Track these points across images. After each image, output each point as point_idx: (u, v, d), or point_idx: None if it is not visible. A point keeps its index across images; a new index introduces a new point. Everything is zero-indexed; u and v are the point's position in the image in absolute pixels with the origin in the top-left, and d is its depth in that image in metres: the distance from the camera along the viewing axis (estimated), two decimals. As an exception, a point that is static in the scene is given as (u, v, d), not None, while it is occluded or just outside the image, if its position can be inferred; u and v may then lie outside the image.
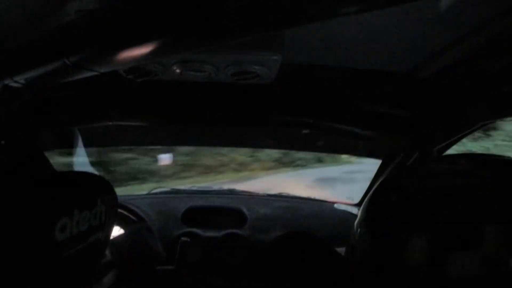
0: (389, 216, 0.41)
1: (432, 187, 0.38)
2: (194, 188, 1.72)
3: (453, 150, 0.88)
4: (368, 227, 0.45)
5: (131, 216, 1.25)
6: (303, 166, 8.65)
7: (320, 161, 8.75)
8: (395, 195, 0.42)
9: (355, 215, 1.44)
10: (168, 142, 1.48)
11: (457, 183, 0.37)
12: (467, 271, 0.32)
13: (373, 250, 0.42)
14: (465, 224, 0.33)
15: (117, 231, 1.22)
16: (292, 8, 0.27)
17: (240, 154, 7.46)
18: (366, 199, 0.48)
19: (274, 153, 7.65)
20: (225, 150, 6.51)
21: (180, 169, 6.37)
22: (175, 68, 0.61)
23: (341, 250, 0.60)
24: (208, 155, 6.93)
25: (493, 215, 0.33)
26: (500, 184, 0.34)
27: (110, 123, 0.88)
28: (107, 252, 0.77)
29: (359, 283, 0.46)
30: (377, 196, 0.46)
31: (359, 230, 0.47)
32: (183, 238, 1.26)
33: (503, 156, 0.39)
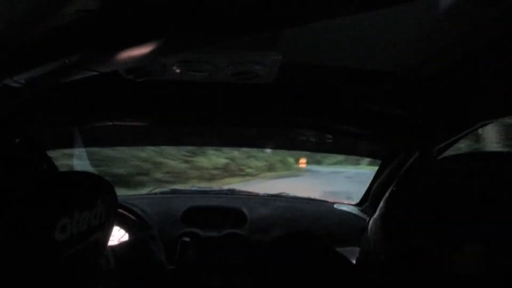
0: (416, 218, 0.38)
1: (461, 186, 0.37)
2: (194, 188, 1.72)
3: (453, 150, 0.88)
4: (387, 233, 0.42)
5: (131, 216, 1.25)
6: (252, 175, 7.32)
7: (271, 169, 7.84)
8: (419, 196, 0.40)
9: (355, 215, 1.44)
10: (168, 142, 1.49)
11: (483, 182, 0.36)
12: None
13: (400, 254, 0.40)
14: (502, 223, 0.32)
15: (116, 231, 1.22)
16: (292, 8, 0.27)
17: (173, 158, 5.85)
18: (382, 203, 0.45)
19: (220, 158, 6.35)
20: (152, 153, 5.20)
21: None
22: (175, 68, 0.61)
23: (341, 250, 0.60)
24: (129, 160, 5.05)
25: None
26: None
27: (110, 123, 0.88)
28: (111, 260, 0.77)
29: (360, 284, 0.46)
30: (396, 198, 0.44)
31: (376, 234, 0.45)
32: (183, 238, 1.26)
33: None
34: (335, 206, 1.51)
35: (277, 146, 1.41)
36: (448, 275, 0.34)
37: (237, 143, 1.51)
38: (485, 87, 0.61)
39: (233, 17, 0.29)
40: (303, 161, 7.90)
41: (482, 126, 0.73)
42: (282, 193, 1.76)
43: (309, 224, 1.38)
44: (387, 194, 0.45)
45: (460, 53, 0.57)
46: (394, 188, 0.45)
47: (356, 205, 1.47)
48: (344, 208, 1.45)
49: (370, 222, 0.48)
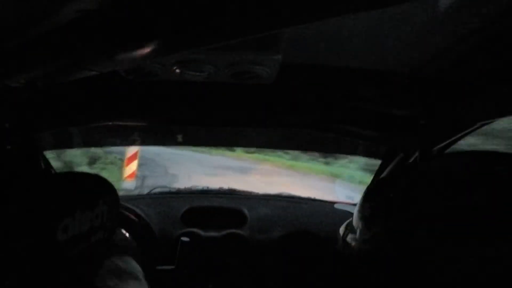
0: (388, 213, 0.41)
1: (429, 183, 0.38)
2: (194, 188, 1.72)
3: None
4: (366, 224, 0.44)
5: (131, 216, 1.25)
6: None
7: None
8: (392, 192, 0.42)
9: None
10: (168, 142, 1.49)
11: (451, 178, 0.37)
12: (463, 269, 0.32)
13: (372, 247, 0.42)
14: (468, 220, 0.33)
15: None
16: (292, 8, 0.27)
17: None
18: (360, 198, 0.47)
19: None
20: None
21: None
22: (175, 68, 0.61)
23: None
24: None
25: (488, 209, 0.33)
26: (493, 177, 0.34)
27: (110, 123, 0.88)
28: None
29: (359, 282, 0.46)
30: (373, 194, 0.46)
31: (356, 227, 0.47)
32: (183, 238, 1.26)
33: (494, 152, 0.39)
34: (335, 206, 1.51)
35: (277, 146, 1.41)
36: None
37: (237, 143, 1.51)
38: (485, 87, 0.61)
39: (233, 17, 0.29)
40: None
41: (482, 126, 0.73)
42: (282, 193, 1.76)
43: (309, 224, 1.38)
44: (366, 189, 0.47)
45: (460, 53, 0.57)
46: (372, 182, 0.47)
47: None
48: (344, 208, 1.46)
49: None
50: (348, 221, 0.51)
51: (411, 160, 0.95)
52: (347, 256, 0.49)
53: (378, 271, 0.41)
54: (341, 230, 0.51)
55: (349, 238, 0.50)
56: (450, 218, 0.34)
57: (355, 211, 0.49)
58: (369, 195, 0.46)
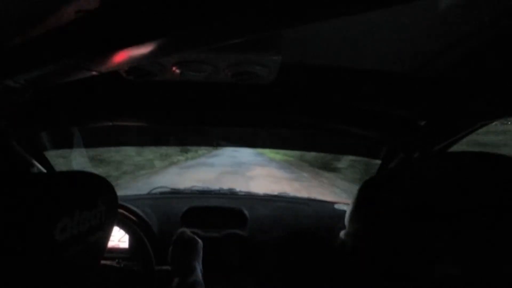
0: (381, 211, 0.41)
1: (426, 181, 0.38)
2: (194, 189, 1.72)
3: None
4: (359, 223, 0.45)
5: (131, 216, 1.25)
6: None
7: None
8: (387, 190, 0.43)
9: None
10: (168, 142, 1.49)
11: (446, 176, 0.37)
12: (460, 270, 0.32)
13: (365, 245, 0.43)
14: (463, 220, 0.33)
15: (117, 231, 1.22)
16: (292, 8, 0.27)
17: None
18: (354, 196, 0.48)
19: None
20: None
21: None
22: (175, 68, 0.61)
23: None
24: None
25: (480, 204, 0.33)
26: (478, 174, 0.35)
27: (110, 123, 0.88)
28: None
29: (360, 283, 0.46)
30: (367, 191, 0.47)
31: (350, 225, 0.47)
32: None
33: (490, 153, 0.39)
34: (335, 206, 1.51)
35: (277, 145, 1.41)
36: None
37: (237, 143, 1.51)
38: (485, 87, 0.61)
39: (233, 17, 0.29)
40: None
41: (482, 126, 0.73)
42: (282, 193, 1.76)
43: (309, 225, 1.38)
44: (360, 185, 0.47)
45: (460, 53, 0.57)
46: (367, 180, 0.47)
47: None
48: (345, 208, 1.46)
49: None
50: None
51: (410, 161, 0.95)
52: (341, 252, 0.50)
53: (365, 266, 0.42)
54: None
55: (341, 233, 0.50)
56: (438, 217, 0.34)
57: (348, 210, 0.50)
58: (362, 191, 0.47)
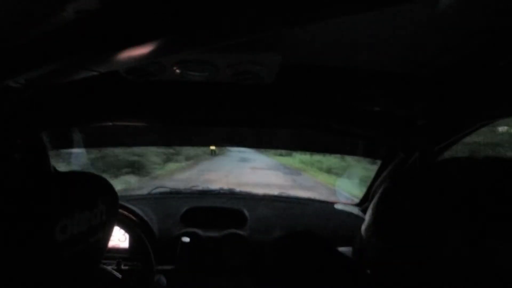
0: (405, 221, 0.39)
1: (448, 189, 0.37)
2: (194, 189, 1.72)
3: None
4: (379, 232, 0.42)
5: (131, 216, 1.25)
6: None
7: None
8: (408, 199, 0.41)
9: (356, 215, 1.43)
10: (168, 142, 1.49)
11: (472, 184, 0.35)
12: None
13: (387, 256, 0.41)
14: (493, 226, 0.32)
15: (117, 231, 1.22)
16: (292, 8, 0.27)
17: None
18: (373, 203, 0.45)
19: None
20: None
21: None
22: (175, 68, 0.61)
23: (342, 250, 0.60)
24: None
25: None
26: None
27: (110, 123, 0.88)
28: None
29: (362, 283, 0.46)
30: (386, 199, 0.44)
31: (368, 234, 0.45)
32: (183, 238, 1.26)
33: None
34: (335, 206, 1.51)
35: (277, 146, 1.42)
36: (437, 274, 0.34)
37: (237, 143, 1.51)
38: (485, 87, 0.61)
39: (233, 17, 0.29)
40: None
41: (482, 126, 0.73)
42: (282, 193, 1.76)
43: (309, 224, 1.38)
44: (379, 193, 0.45)
45: (460, 53, 0.57)
46: (386, 188, 0.45)
47: (356, 205, 1.47)
48: (344, 208, 1.45)
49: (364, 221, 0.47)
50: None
51: (411, 160, 0.95)
52: (358, 261, 0.47)
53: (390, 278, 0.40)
54: (362, 231, 0.49)
55: (358, 245, 0.48)
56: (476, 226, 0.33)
57: (368, 214, 0.47)
58: (383, 201, 0.44)
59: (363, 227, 0.46)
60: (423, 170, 0.47)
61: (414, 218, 0.38)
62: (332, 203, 1.54)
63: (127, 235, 1.22)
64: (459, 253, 0.33)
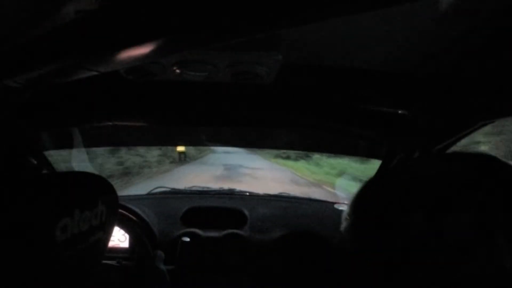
0: (375, 210, 0.41)
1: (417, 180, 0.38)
2: (194, 189, 1.72)
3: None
4: (354, 221, 0.46)
5: (131, 216, 1.25)
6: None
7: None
8: (380, 189, 0.43)
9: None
10: (168, 142, 1.49)
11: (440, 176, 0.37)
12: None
13: (357, 244, 0.43)
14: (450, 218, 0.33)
15: (117, 231, 1.22)
16: (292, 8, 0.27)
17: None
18: (352, 196, 0.48)
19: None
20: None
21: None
22: (175, 68, 0.61)
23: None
24: None
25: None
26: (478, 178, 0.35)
27: (110, 123, 0.88)
28: None
29: (361, 282, 0.46)
30: (363, 191, 0.47)
31: (345, 223, 0.48)
32: (183, 238, 1.26)
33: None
34: (335, 206, 1.51)
35: (277, 146, 1.42)
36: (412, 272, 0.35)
37: (237, 143, 1.51)
38: (485, 87, 0.61)
39: (233, 17, 0.29)
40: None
41: (482, 126, 0.73)
42: (282, 193, 1.76)
43: (309, 224, 1.38)
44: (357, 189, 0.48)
45: (460, 53, 0.57)
46: (362, 185, 0.47)
47: (356, 205, 1.46)
48: (345, 208, 1.45)
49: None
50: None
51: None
52: (341, 250, 0.50)
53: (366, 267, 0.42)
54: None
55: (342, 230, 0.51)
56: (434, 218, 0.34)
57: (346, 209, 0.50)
58: (359, 191, 0.47)
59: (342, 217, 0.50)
60: (396, 168, 0.50)
61: (381, 208, 0.40)
62: (332, 203, 1.55)
63: (127, 235, 1.22)
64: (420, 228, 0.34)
